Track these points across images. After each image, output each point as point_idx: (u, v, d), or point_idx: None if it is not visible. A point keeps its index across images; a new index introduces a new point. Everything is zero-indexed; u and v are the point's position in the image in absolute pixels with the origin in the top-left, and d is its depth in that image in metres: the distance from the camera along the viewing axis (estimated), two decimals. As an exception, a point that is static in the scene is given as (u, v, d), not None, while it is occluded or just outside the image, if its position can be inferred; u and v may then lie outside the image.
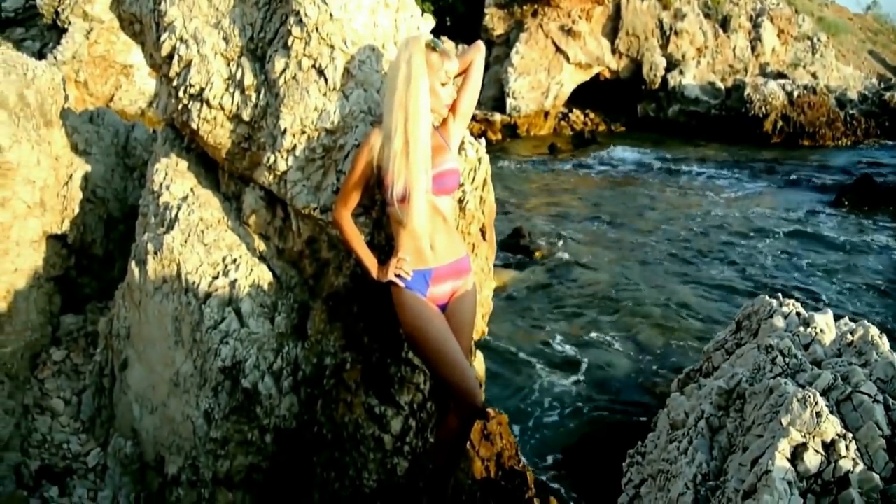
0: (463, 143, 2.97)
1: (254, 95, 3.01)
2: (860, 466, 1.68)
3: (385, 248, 2.84)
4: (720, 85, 17.40)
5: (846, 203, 11.34)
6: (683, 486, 1.95)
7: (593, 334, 6.70)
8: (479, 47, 2.77)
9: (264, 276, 3.13)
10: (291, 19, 2.88)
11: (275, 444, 3.00)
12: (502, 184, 11.96)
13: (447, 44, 15.95)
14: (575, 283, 8.09)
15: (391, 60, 2.75)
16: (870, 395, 1.86)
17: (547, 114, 17.18)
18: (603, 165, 14.39)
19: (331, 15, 2.85)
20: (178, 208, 3.20)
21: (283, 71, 2.89)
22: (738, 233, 10.04)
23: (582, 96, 17.84)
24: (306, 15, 2.83)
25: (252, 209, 3.22)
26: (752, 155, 15.24)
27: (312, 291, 3.18)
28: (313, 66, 2.86)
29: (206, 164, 3.46)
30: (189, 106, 3.09)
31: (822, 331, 2.39)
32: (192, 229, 3.13)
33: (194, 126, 3.09)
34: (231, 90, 3.04)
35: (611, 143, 16.24)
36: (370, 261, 2.67)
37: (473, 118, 14.66)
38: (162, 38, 3.11)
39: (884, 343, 2.19)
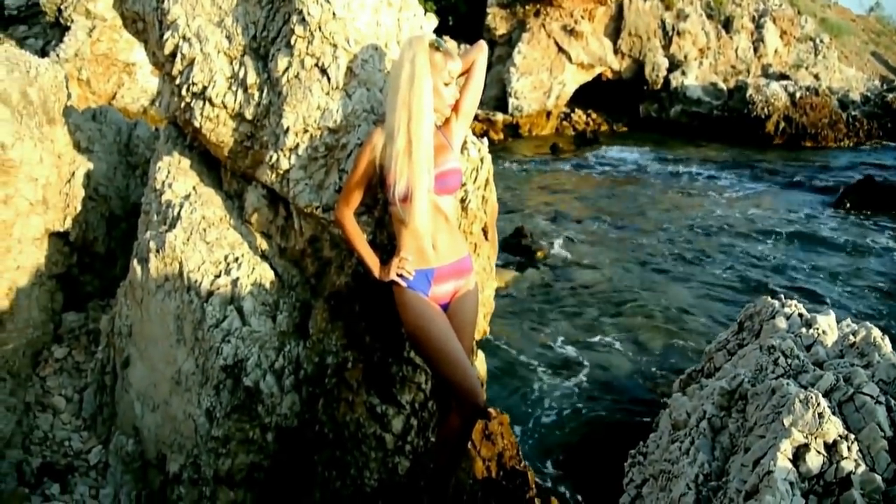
0: (465, 142, 2.96)
1: (256, 94, 3.01)
2: (862, 467, 1.68)
3: (387, 247, 2.84)
4: (722, 86, 17.39)
5: (848, 204, 11.32)
6: (685, 486, 1.95)
7: (595, 334, 6.69)
8: (482, 47, 2.77)
9: (266, 274, 3.13)
10: (294, 18, 2.88)
11: (276, 443, 3.00)
12: (504, 184, 11.96)
13: (449, 43, 15.93)
14: (576, 282, 8.08)
15: (394, 60, 2.75)
16: (872, 397, 1.86)
17: (549, 114, 17.17)
18: (605, 166, 14.38)
19: (334, 14, 2.85)
20: (181, 206, 3.21)
21: (286, 69, 2.89)
22: (739, 233, 10.04)
23: (584, 96, 17.83)
24: (309, 14, 2.83)
25: (254, 207, 3.22)
26: (754, 156, 15.23)
27: (314, 290, 3.18)
28: (316, 64, 2.86)
29: (209, 163, 3.46)
30: (192, 104, 3.09)
31: (824, 332, 2.39)
32: (195, 227, 3.13)
33: (197, 124, 3.09)
34: (234, 88, 3.04)
35: (613, 144, 16.24)
36: (372, 260, 2.67)
37: (475, 118, 14.65)
38: (165, 37, 3.12)
39: (886, 344, 2.19)
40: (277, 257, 3.23)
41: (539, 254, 8.82)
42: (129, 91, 11.48)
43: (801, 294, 7.68)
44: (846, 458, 1.70)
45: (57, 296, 3.94)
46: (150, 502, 3.26)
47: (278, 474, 3.04)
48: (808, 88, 16.79)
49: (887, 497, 1.63)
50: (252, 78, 3.00)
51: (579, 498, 4.39)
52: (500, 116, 16.50)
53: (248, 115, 3.02)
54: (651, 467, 2.41)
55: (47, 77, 3.82)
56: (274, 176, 2.99)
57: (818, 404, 1.78)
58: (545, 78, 16.81)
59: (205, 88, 3.04)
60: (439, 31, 3.18)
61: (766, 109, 16.39)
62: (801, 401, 1.80)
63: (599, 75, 17.73)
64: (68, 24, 11.19)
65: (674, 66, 17.58)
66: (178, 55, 3.08)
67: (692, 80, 17.40)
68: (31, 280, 3.68)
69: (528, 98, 16.69)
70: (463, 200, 2.99)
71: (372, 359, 2.98)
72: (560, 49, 16.92)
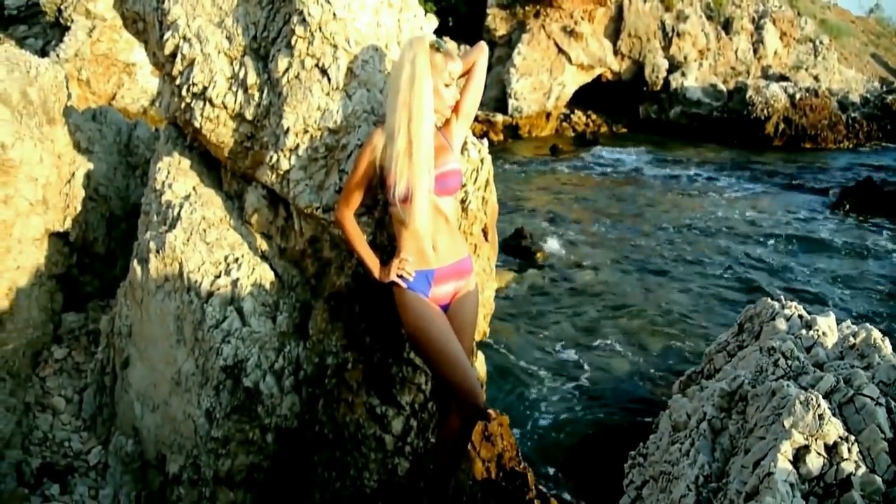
0: (465, 143, 2.97)
1: (257, 94, 3.01)
2: (862, 469, 1.69)
3: (387, 248, 2.84)
4: (722, 87, 17.39)
5: (848, 206, 11.33)
6: (685, 487, 1.95)
7: (594, 335, 6.69)
8: (482, 48, 2.77)
9: (266, 275, 3.13)
10: (295, 18, 2.88)
11: (276, 444, 3.00)
12: (504, 185, 11.95)
13: (449, 44, 15.93)
14: (576, 283, 8.08)
15: (395, 60, 2.75)
16: (872, 398, 1.86)
17: (549, 115, 17.17)
18: (604, 167, 14.38)
19: (334, 14, 2.85)
20: (181, 207, 3.21)
21: (286, 70, 2.89)
22: (739, 235, 10.04)
23: (584, 98, 17.82)
24: (310, 14, 2.83)
25: (254, 208, 3.22)
26: (753, 157, 15.23)
27: (314, 291, 3.18)
28: (316, 65, 2.86)
29: (209, 163, 3.46)
30: (192, 104, 3.09)
31: (824, 333, 2.39)
32: (195, 228, 3.13)
33: (197, 125, 3.09)
34: (234, 89, 3.04)
35: (612, 145, 16.24)
36: (372, 261, 2.67)
37: (475, 119, 14.65)
38: (165, 37, 3.12)
39: (886, 346, 2.19)
40: (277, 258, 3.23)
41: (539, 255, 8.82)
42: (129, 91, 11.48)
43: (800, 295, 7.68)
44: (846, 459, 1.70)
45: (57, 296, 3.93)
46: (150, 503, 3.26)
47: (278, 475, 3.04)
48: (807, 90, 16.80)
49: (887, 498, 1.63)
50: (252, 78, 3.00)
51: (579, 499, 4.38)
52: (499, 117, 16.49)
53: (249, 115, 3.02)
54: (651, 469, 2.41)
55: (47, 77, 3.81)
56: (274, 176, 2.99)
57: (818, 406, 1.78)
58: (545, 79, 16.81)
59: (205, 89, 3.04)
60: (439, 32, 3.19)
61: (765, 111, 16.39)
62: (801, 402, 1.80)
63: (599, 76, 17.73)
64: (68, 24, 11.18)
65: (673, 67, 17.58)
66: (179, 55, 3.08)
67: (692, 81, 17.40)
68: (30, 280, 3.67)
69: (528, 99, 16.68)
70: (463, 201, 2.99)
71: (372, 360, 2.98)
72: (560, 50, 16.91)
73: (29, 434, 3.51)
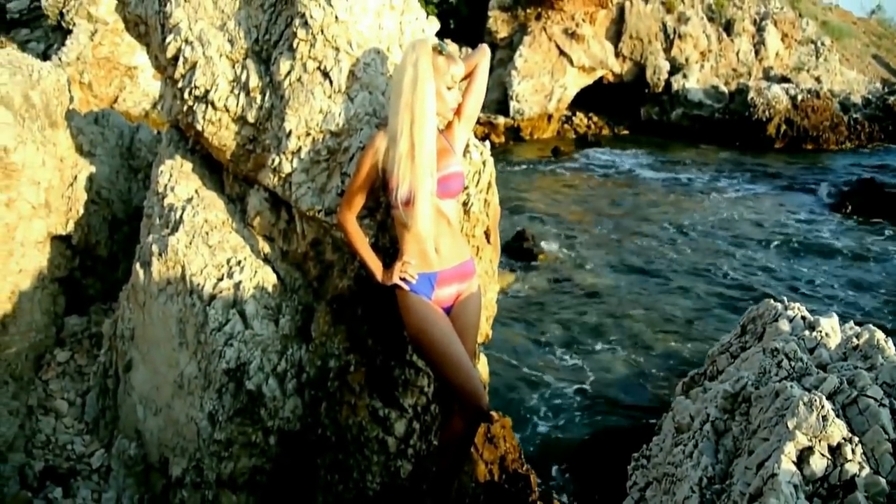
0: (467, 146, 2.97)
1: (259, 97, 3.01)
2: (866, 470, 1.68)
3: (389, 250, 2.84)
4: (724, 89, 17.38)
5: (850, 207, 11.32)
6: (689, 489, 1.94)
7: (597, 337, 6.69)
8: (485, 51, 2.77)
9: (269, 278, 3.13)
10: (297, 21, 2.88)
11: (278, 446, 3.00)
12: (506, 187, 11.95)
13: (451, 47, 15.95)
14: (578, 285, 8.08)
15: (397, 63, 2.76)
16: (876, 399, 1.86)
17: (550, 117, 17.17)
18: (606, 169, 14.37)
19: (336, 17, 2.85)
20: (183, 210, 3.21)
21: (288, 73, 2.90)
22: (741, 236, 10.04)
23: (585, 99, 17.82)
24: (311, 17, 2.84)
25: (256, 211, 3.22)
26: (755, 159, 15.23)
27: (317, 293, 3.18)
28: (318, 68, 2.87)
29: (211, 166, 3.47)
30: (194, 107, 3.09)
31: (827, 334, 2.38)
32: (197, 231, 3.13)
33: (199, 128, 3.10)
34: (236, 92, 3.04)
35: (614, 147, 16.24)
36: (375, 264, 2.67)
37: (477, 121, 14.64)
38: (167, 40, 3.12)
39: (889, 347, 2.19)
40: (280, 261, 3.23)
41: (541, 257, 8.83)
42: (131, 94, 11.49)
43: (803, 297, 7.68)
44: (850, 460, 1.70)
45: (59, 299, 3.94)
46: (153, 506, 3.26)
47: (280, 478, 3.04)
48: (809, 91, 16.79)
49: (891, 499, 1.62)
50: (254, 81, 3.00)
51: (582, 501, 4.38)
52: (501, 120, 16.49)
53: (251, 118, 3.03)
54: (654, 470, 2.41)
55: (49, 80, 3.82)
56: (276, 179, 2.99)
57: (822, 407, 1.78)
58: (546, 81, 16.81)
59: (207, 92, 3.04)
60: (440, 35, 3.19)
61: (767, 112, 16.38)
62: (804, 403, 1.79)
63: (601, 78, 17.72)
64: (70, 27, 11.21)
65: (675, 69, 17.57)
66: (181, 59, 3.08)
67: (693, 83, 17.39)
68: (33, 283, 3.68)
69: (530, 101, 16.68)
70: (465, 204, 2.99)
71: (374, 362, 2.98)
72: (561, 52, 16.91)
73: (32, 437, 3.51)
